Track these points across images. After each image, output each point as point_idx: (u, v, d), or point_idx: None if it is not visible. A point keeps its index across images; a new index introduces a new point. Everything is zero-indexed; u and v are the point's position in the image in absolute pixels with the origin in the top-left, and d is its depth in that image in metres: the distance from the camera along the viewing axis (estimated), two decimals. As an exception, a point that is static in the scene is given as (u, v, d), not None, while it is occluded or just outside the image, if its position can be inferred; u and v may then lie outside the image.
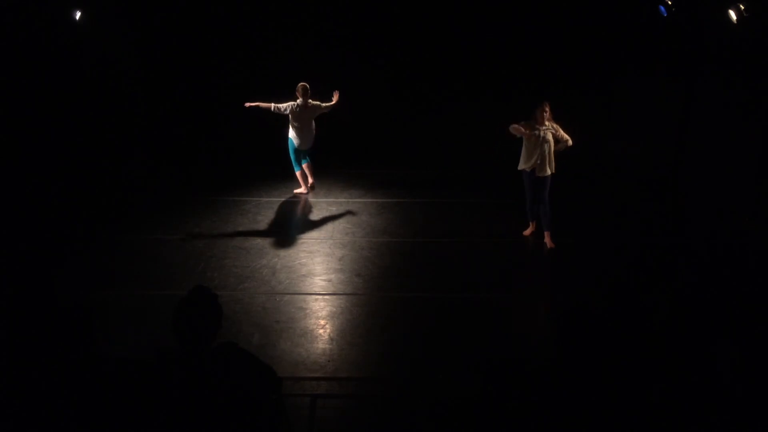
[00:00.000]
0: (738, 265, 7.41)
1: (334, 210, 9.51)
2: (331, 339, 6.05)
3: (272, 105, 9.50)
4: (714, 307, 6.17)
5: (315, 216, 9.36)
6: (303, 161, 9.91)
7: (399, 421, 4.83)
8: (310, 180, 10.05)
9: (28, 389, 2.87)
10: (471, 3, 12.42)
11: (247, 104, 9.51)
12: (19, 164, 9.38)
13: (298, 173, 9.99)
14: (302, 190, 10.09)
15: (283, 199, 9.92)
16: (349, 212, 9.41)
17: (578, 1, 12.02)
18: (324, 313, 6.57)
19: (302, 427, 4.76)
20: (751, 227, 8.20)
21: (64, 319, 2.98)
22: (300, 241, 8.37)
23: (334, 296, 6.90)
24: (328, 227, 8.85)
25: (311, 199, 9.94)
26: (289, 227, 8.96)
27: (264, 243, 8.22)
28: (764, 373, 4.41)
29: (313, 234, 8.69)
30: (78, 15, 10.37)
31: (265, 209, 9.46)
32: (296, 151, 9.79)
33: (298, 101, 9.42)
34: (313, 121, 9.70)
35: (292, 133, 9.67)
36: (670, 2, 9.94)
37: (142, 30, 11.95)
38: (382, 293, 6.93)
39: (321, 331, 6.19)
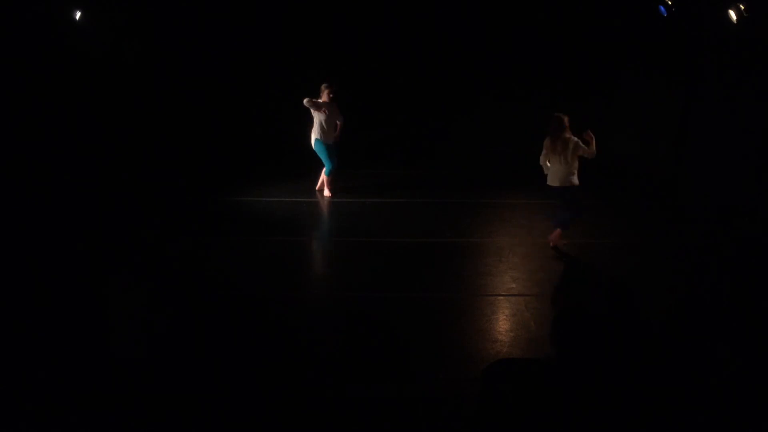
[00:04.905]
0: (738, 265, 7.41)
1: (333, 210, 9.50)
2: (331, 340, 6.03)
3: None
4: (714, 308, 6.16)
5: (314, 216, 9.36)
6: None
7: (399, 421, 4.82)
8: (318, 184, 10.11)
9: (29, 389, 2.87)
10: (471, 4, 12.43)
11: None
12: (18, 164, 9.39)
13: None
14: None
15: (282, 200, 9.91)
16: (349, 212, 9.40)
17: (579, 2, 12.03)
18: (323, 314, 6.56)
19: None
20: (751, 227, 8.20)
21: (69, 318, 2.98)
22: (299, 241, 8.36)
23: (334, 297, 6.90)
24: (328, 227, 8.85)
25: (311, 199, 9.92)
26: (288, 228, 8.94)
27: (262, 244, 8.21)
28: (764, 374, 4.40)
29: (313, 234, 8.68)
30: (78, 15, 10.38)
31: (264, 210, 9.46)
32: None
33: None
34: (313, 119, 9.72)
35: None
36: (670, 2, 9.94)
37: (142, 30, 11.97)
38: (382, 293, 6.92)
39: (320, 333, 6.18)
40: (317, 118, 9.59)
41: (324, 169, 9.89)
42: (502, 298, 6.84)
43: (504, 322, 6.33)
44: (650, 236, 8.49)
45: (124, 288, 6.84)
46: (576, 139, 7.62)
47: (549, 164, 7.75)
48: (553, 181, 7.77)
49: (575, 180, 7.71)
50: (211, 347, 5.63)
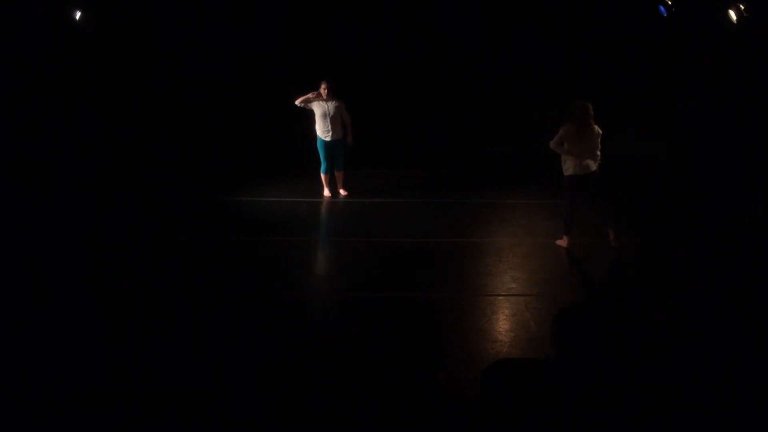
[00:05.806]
0: (738, 264, 7.41)
1: (333, 210, 9.49)
2: (331, 340, 6.03)
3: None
4: (714, 308, 6.17)
5: (314, 216, 9.35)
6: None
7: (399, 421, 4.82)
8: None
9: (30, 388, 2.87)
10: (471, 4, 12.43)
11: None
12: (18, 164, 9.38)
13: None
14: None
15: (282, 200, 9.92)
16: (349, 212, 9.40)
17: (579, 2, 12.03)
18: (322, 314, 6.56)
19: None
20: (751, 227, 8.20)
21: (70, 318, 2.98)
22: (299, 241, 8.36)
23: (334, 297, 6.89)
24: (328, 227, 8.84)
25: (311, 199, 9.92)
26: (288, 228, 8.94)
27: (262, 244, 8.21)
28: (764, 374, 4.41)
29: (312, 234, 8.67)
30: (78, 15, 10.38)
31: (264, 210, 9.45)
32: None
33: None
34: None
35: None
36: (670, 2, 9.94)
37: (142, 30, 11.97)
38: (382, 293, 6.93)
39: (320, 333, 6.18)
40: (315, 113, 9.58)
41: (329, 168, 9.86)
42: (502, 298, 6.84)
43: (504, 322, 6.33)
44: (650, 236, 8.48)
45: (124, 288, 6.86)
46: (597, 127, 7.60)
47: (570, 153, 7.55)
48: (580, 169, 7.59)
49: (597, 165, 7.69)
50: (211, 347, 5.63)
